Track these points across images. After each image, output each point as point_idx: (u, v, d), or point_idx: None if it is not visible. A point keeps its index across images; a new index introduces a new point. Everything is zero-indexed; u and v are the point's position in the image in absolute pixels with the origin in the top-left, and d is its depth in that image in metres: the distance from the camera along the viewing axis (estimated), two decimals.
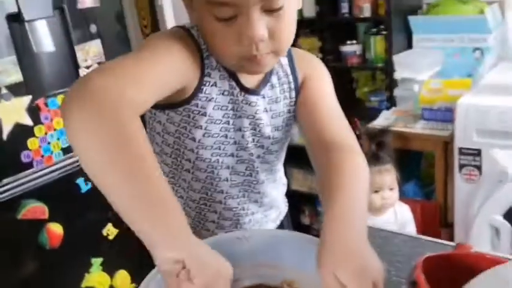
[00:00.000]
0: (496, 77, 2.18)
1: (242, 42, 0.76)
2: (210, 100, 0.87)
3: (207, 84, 0.86)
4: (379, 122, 2.25)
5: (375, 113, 2.42)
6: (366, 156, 2.24)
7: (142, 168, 0.63)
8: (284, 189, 1.14)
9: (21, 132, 1.65)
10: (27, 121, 1.66)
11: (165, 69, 0.75)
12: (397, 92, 2.34)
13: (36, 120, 1.68)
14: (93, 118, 0.61)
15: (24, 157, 1.66)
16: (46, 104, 1.70)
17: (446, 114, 2.10)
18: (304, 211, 2.97)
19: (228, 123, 0.91)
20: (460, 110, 1.90)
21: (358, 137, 3.03)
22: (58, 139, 1.75)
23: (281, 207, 1.15)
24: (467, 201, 1.98)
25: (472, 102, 1.90)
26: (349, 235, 0.66)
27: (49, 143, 1.73)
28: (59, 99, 1.74)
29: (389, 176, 1.90)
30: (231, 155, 0.94)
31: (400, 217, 1.95)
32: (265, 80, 0.93)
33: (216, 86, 0.87)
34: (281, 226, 1.15)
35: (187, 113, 0.87)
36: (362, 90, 2.69)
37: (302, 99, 0.96)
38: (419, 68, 2.23)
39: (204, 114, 0.87)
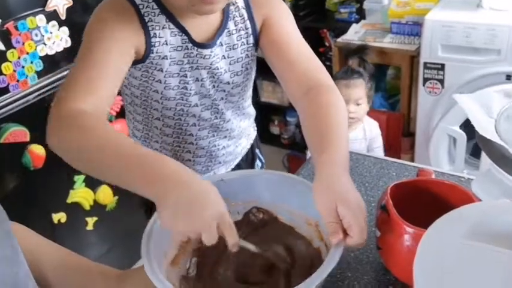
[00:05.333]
0: None
1: None
2: (164, 58, 0.90)
3: (157, 44, 0.89)
4: (350, 35, 2.28)
5: (344, 25, 2.43)
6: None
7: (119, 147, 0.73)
8: (253, 117, 1.18)
9: None
10: None
11: (112, 59, 0.82)
12: (366, 4, 2.35)
13: (8, 45, 1.65)
14: (69, 135, 0.78)
15: None
16: (16, 28, 1.66)
17: (413, 28, 2.15)
18: (274, 121, 3.05)
19: (186, 76, 0.94)
20: (427, 26, 1.95)
21: (329, 49, 3.04)
22: (31, 62, 1.73)
23: (250, 133, 1.20)
24: (429, 112, 2.09)
25: (438, 19, 1.94)
26: (344, 177, 0.73)
27: (23, 67, 1.71)
28: (28, 22, 1.69)
29: (356, 90, 1.91)
30: (195, 105, 0.99)
31: (368, 133, 2.01)
32: (222, 27, 0.93)
33: (167, 44, 0.90)
34: (251, 148, 1.22)
35: (146, 69, 0.91)
36: (331, 1, 2.66)
37: (266, 40, 0.96)
38: None
39: (161, 70, 0.91)
